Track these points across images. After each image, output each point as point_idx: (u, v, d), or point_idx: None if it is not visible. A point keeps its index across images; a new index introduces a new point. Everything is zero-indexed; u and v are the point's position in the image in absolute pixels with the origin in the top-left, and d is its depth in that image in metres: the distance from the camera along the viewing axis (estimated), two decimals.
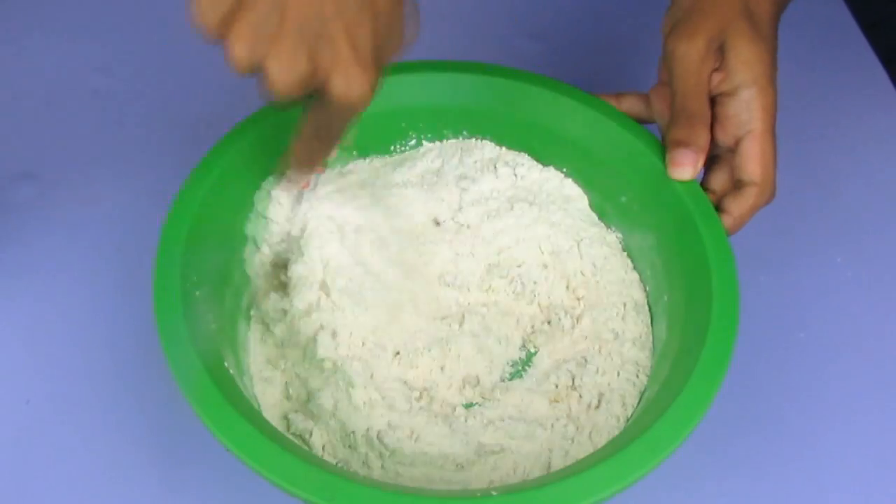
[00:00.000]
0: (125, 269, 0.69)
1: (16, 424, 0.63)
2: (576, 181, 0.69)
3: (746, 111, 0.62)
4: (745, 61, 0.62)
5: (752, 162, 0.62)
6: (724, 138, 0.63)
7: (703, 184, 0.65)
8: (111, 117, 0.79)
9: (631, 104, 0.68)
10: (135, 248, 0.66)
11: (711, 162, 0.65)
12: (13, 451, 0.62)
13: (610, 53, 0.83)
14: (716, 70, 0.62)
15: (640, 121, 0.68)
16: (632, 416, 0.61)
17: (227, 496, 0.61)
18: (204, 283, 0.59)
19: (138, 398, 0.64)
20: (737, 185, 0.63)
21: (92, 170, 0.75)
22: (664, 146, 0.65)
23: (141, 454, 0.62)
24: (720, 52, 0.62)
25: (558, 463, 0.59)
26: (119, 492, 0.61)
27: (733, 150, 0.63)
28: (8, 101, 0.79)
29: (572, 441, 0.60)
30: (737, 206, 0.63)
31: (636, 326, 0.64)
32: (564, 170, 0.69)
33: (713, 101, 0.63)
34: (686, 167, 0.63)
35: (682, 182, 0.64)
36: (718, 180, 0.64)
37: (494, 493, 0.52)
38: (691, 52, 0.61)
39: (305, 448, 0.58)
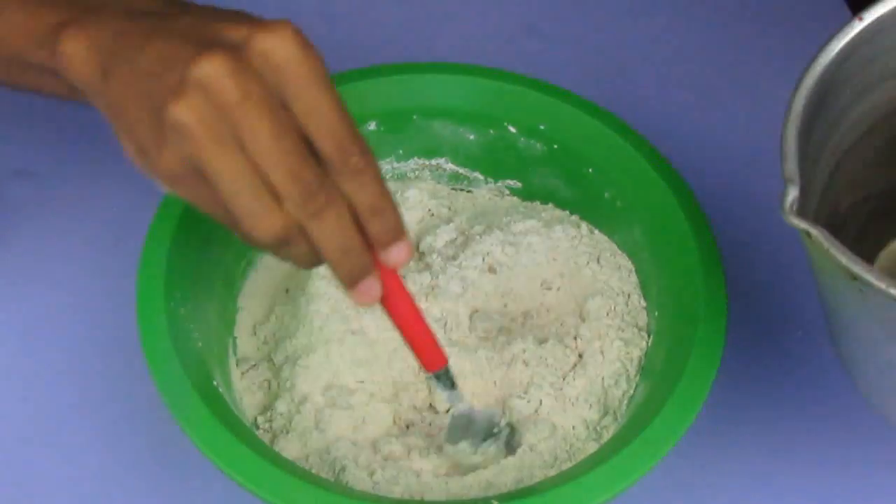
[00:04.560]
0: (123, 267, 0.68)
1: (15, 423, 0.63)
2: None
3: None
4: None
5: None
6: None
7: None
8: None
9: None
10: (133, 246, 0.65)
11: None
12: (12, 450, 0.62)
13: (611, 52, 0.83)
14: None
15: None
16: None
17: (222, 496, 0.61)
18: (188, 300, 0.59)
19: (137, 395, 0.63)
20: None
21: (90, 167, 0.74)
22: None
23: (140, 453, 0.62)
24: None
25: None
26: (117, 490, 0.61)
27: None
28: (4, 97, 0.79)
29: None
30: None
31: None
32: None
33: None
34: None
35: (665, 177, 0.64)
36: None
37: (495, 502, 0.53)
38: None
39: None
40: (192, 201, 0.49)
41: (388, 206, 0.50)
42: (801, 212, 0.48)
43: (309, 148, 0.47)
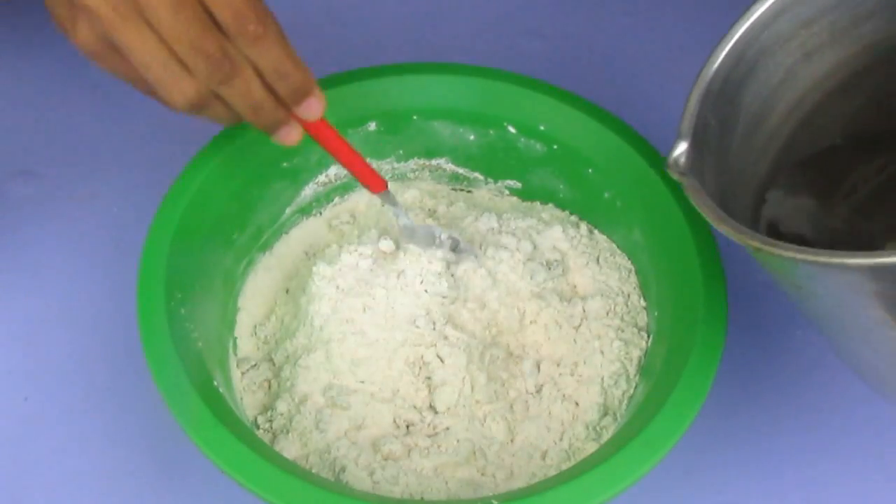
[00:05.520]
0: (123, 267, 0.68)
1: (14, 422, 0.63)
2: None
3: None
4: None
5: None
6: None
7: None
8: (110, 113, 0.78)
9: None
10: (133, 245, 0.66)
11: None
12: (11, 449, 0.62)
13: (610, 52, 0.83)
14: None
15: None
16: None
17: (222, 495, 0.61)
18: (188, 300, 0.60)
19: (137, 395, 0.64)
20: None
21: (91, 167, 0.74)
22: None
23: (140, 453, 0.62)
24: None
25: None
26: (117, 490, 0.61)
27: None
28: (6, 97, 0.79)
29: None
30: None
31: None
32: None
33: None
34: None
35: (665, 177, 0.63)
36: None
37: (495, 502, 0.53)
38: None
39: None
40: (114, 73, 0.54)
41: (291, 67, 0.53)
42: (693, 167, 0.49)
43: (213, 20, 0.51)
